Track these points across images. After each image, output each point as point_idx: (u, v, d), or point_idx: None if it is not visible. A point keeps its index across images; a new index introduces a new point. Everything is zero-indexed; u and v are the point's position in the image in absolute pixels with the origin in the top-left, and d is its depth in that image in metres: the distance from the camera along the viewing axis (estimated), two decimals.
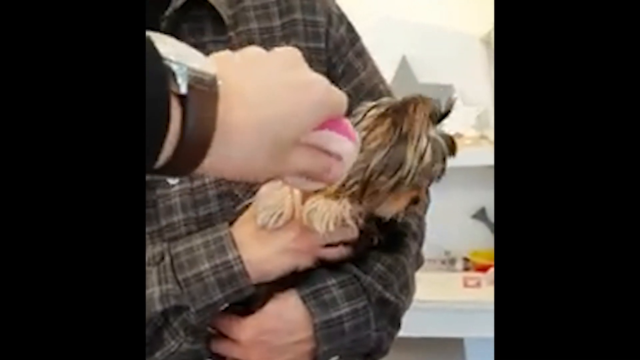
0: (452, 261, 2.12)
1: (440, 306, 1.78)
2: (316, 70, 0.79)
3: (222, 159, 0.39)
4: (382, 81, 0.88)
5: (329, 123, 0.45)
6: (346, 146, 0.46)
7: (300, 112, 0.42)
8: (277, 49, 0.44)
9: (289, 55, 0.44)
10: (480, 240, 2.13)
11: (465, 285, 1.95)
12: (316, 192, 0.68)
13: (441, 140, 0.68)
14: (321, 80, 0.44)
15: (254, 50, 0.44)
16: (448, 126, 2.26)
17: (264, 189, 0.70)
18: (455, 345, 2.00)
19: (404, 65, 2.16)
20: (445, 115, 0.69)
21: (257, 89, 0.40)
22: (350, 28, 0.86)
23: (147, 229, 0.73)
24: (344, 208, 0.68)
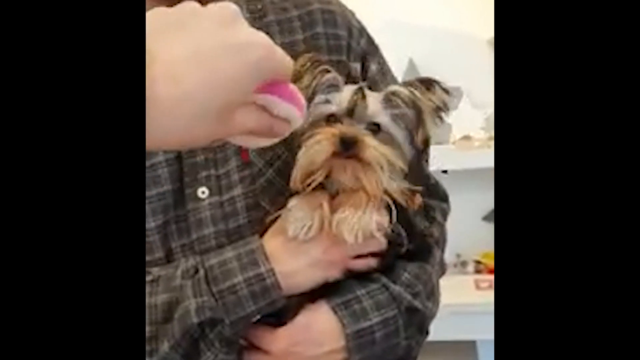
0: (464, 264, 2.12)
1: (452, 309, 1.78)
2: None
3: (157, 132, 0.37)
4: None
5: (274, 87, 0.43)
6: (291, 112, 0.44)
7: (238, 75, 0.39)
8: (212, 5, 0.41)
9: (225, 13, 0.41)
10: (491, 242, 2.12)
11: (477, 287, 1.94)
12: (345, 202, 0.69)
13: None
14: (260, 40, 0.42)
15: (189, 8, 0.41)
16: (456, 129, 2.26)
17: (292, 202, 0.71)
18: (468, 347, 2.00)
19: (411, 68, 2.17)
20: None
21: (187, 55, 0.38)
22: (370, 40, 0.88)
23: (179, 242, 0.75)
24: (372, 219, 0.68)
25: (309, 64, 0.71)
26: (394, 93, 0.69)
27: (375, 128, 0.68)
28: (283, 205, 0.72)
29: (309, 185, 0.69)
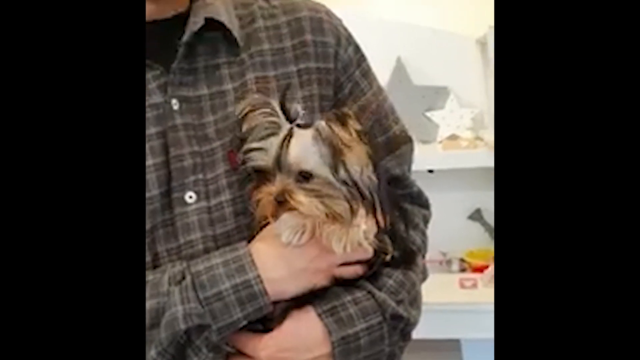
0: (449, 262, 2.13)
1: (436, 307, 1.78)
2: (324, 90, 0.81)
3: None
4: (387, 100, 0.91)
5: None
6: None
7: None
8: None
9: None
10: (476, 241, 2.14)
11: (462, 286, 1.95)
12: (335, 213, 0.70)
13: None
14: None
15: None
16: (444, 128, 2.27)
17: (286, 214, 0.70)
18: (452, 346, 2.00)
19: (399, 67, 2.17)
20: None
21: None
22: (357, 49, 0.89)
23: (166, 247, 0.75)
24: (360, 229, 0.70)
25: (247, 108, 0.71)
26: (317, 130, 0.68)
27: (307, 175, 0.68)
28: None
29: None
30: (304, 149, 0.69)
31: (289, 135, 0.69)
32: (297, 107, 0.71)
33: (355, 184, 0.69)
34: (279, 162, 0.68)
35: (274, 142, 0.69)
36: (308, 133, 0.69)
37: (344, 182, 0.69)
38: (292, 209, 0.68)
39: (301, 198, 0.68)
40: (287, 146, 0.68)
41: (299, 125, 0.70)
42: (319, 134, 0.68)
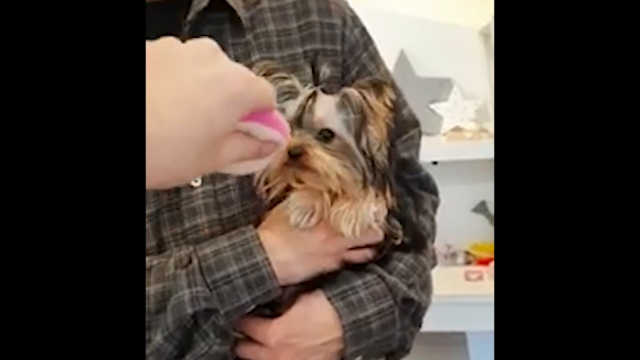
0: (454, 255, 2.13)
1: (442, 300, 1.77)
2: (332, 72, 0.81)
3: (148, 173, 0.38)
4: (394, 84, 0.89)
5: (257, 116, 0.43)
6: (276, 137, 0.45)
7: (219, 109, 0.40)
8: (190, 42, 0.42)
9: (201, 49, 0.42)
10: (481, 234, 2.13)
11: (467, 279, 1.95)
12: (343, 194, 0.68)
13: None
14: (239, 72, 0.42)
15: (168, 44, 0.41)
16: (447, 120, 2.26)
17: (294, 194, 0.70)
18: (458, 339, 2.00)
19: (402, 59, 2.16)
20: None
21: (167, 93, 0.38)
22: (364, 31, 0.88)
23: (171, 231, 0.74)
24: (369, 211, 0.68)
25: (262, 72, 0.70)
26: (346, 96, 0.68)
27: (329, 135, 0.68)
28: (281, 196, 0.71)
29: (269, 191, 0.71)
30: (329, 111, 0.68)
31: (314, 94, 0.68)
32: (326, 70, 0.70)
33: (372, 157, 0.68)
34: (300, 119, 0.67)
35: (293, 104, 0.68)
36: (332, 99, 0.68)
37: (363, 152, 0.68)
38: (304, 166, 0.66)
39: (320, 152, 0.66)
40: (313, 104, 0.67)
41: (323, 90, 0.69)
42: (347, 99, 0.68)
